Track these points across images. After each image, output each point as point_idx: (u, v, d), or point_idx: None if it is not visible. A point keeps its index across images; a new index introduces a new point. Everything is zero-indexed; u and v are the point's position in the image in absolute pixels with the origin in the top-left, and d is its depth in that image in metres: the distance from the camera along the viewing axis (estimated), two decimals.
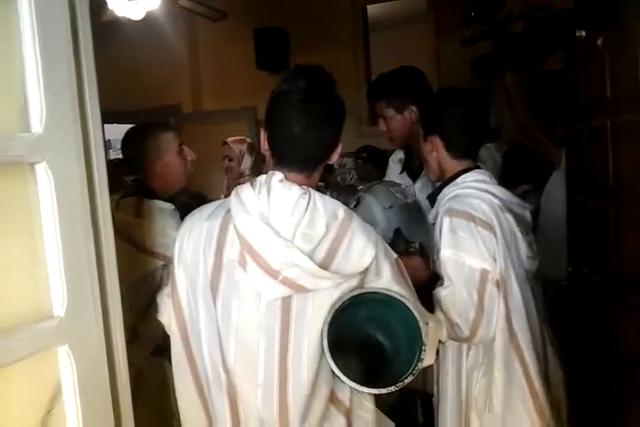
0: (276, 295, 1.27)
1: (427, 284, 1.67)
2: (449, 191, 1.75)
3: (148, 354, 1.97)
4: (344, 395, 1.37)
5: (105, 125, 1.26)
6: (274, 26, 5.57)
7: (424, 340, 1.30)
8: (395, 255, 1.40)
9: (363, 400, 1.40)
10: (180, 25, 5.60)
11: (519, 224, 1.73)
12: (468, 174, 1.77)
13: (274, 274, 1.25)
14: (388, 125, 2.38)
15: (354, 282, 1.31)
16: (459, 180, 1.76)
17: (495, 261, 1.61)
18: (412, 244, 1.91)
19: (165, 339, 1.93)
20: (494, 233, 1.62)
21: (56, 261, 1.02)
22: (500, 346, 1.62)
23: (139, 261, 1.91)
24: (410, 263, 1.62)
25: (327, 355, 1.25)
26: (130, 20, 4.14)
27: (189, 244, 1.39)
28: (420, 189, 2.35)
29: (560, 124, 3.12)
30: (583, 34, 2.28)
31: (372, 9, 5.77)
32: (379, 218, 2.01)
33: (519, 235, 1.70)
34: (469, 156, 1.82)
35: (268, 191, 1.29)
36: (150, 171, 2.06)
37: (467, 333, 1.59)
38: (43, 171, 1.00)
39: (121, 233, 1.98)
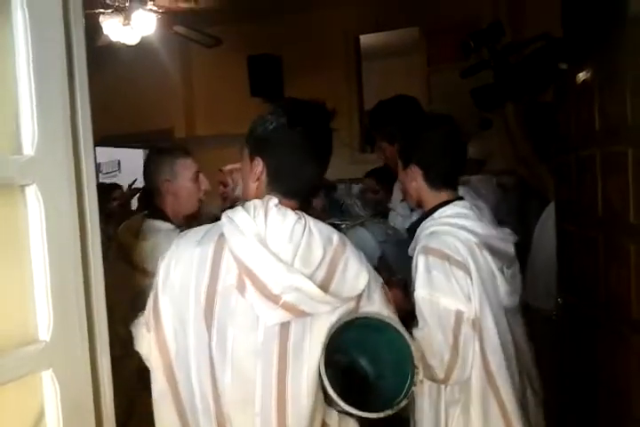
0: (276, 320, 1.25)
1: (404, 318, 1.62)
2: (426, 227, 1.71)
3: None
4: (333, 421, 1.35)
5: (96, 148, 1.26)
6: (268, 53, 5.63)
7: (416, 363, 1.29)
8: (381, 280, 1.41)
9: (347, 424, 1.38)
10: (174, 50, 5.65)
11: (499, 259, 1.69)
12: (446, 208, 1.72)
13: (274, 299, 1.23)
14: (384, 155, 2.42)
15: (351, 305, 1.31)
16: (436, 214, 1.72)
17: (470, 301, 1.58)
18: (396, 276, 1.87)
19: (123, 344, 1.95)
20: (469, 273, 1.59)
21: (43, 284, 1.01)
22: (476, 385, 1.59)
23: (134, 278, 1.93)
24: (396, 297, 1.60)
25: (325, 381, 1.24)
26: (125, 44, 4.18)
27: (177, 270, 1.33)
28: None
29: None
30: (565, 66, 2.31)
31: (364, 38, 5.86)
32: (373, 251, 2.01)
33: (497, 273, 1.66)
34: (449, 185, 1.77)
35: (265, 215, 1.28)
36: (163, 191, 2.13)
37: (441, 375, 1.56)
38: (33, 193, 1.00)
39: (119, 252, 2.01)
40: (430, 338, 1.56)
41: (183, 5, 3.97)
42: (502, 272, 1.69)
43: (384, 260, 2.05)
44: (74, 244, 1.07)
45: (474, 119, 3.95)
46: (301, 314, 1.25)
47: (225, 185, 3.58)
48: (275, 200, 1.32)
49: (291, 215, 1.30)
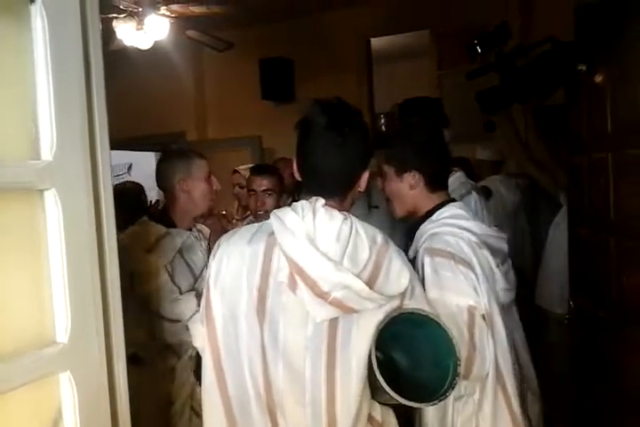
0: (325, 317, 1.31)
1: None
2: (426, 229, 1.72)
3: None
4: (376, 412, 1.41)
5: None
6: (279, 56, 5.65)
7: (458, 355, 1.33)
8: (418, 275, 1.47)
9: (389, 417, 1.45)
10: (186, 54, 5.68)
11: (495, 257, 1.72)
12: (443, 210, 1.74)
13: (324, 296, 1.28)
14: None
15: (396, 303, 1.36)
16: (434, 216, 1.74)
17: (479, 296, 1.60)
18: None
19: (144, 348, 2.01)
20: (474, 270, 1.62)
21: (61, 287, 1.02)
22: (490, 378, 1.60)
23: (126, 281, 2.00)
24: None
25: (377, 373, 1.26)
26: (138, 49, 4.21)
27: (229, 269, 1.40)
28: None
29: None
30: (584, 68, 2.31)
31: (375, 41, 5.86)
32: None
33: (496, 270, 1.69)
34: (444, 186, 1.81)
35: (314, 215, 1.34)
36: (177, 191, 2.19)
37: (462, 371, 1.56)
38: (51, 197, 1.02)
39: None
40: None
41: (195, 10, 3.99)
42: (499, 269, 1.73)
43: None
44: (91, 247, 1.09)
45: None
46: (349, 311, 1.30)
47: (241, 186, 3.61)
48: (322, 201, 1.37)
49: (338, 216, 1.35)
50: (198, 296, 2.05)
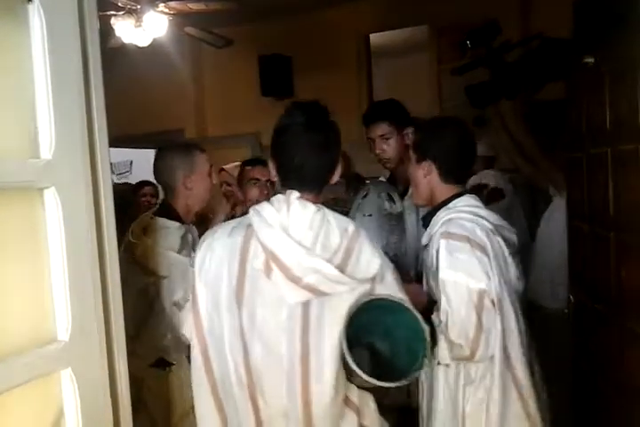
0: (297, 299, 1.41)
1: (426, 308, 1.73)
2: (442, 215, 1.80)
3: (147, 366, 2.03)
4: (353, 395, 1.48)
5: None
6: (278, 53, 5.65)
7: (427, 337, 1.41)
8: (392, 266, 1.54)
9: (367, 401, 1.52)
10: (185, 51, 5.68)
11: (508, 247, 1.78)
12: (459, 199, 1.83)
13: (296, 280, 1.38)
14: (387, 145, 2.47)
15: (367, 287, 1.44)
16: (450, 204, 1.82)
17: (491, 281, 1.65)
18: (408, 272, 2.00)
19: (168, 352, 2.00)
20: (488, 255, 1.68)
21: (62, 285, 1.03)
22: (497, 363, 1.65)
23: (135, 275, 1.98)
24: (410, 290, 1.67)
25: (347, 354, 1.35)
26: (136, 46, 4.21)
27: (212, 259, 1.51)
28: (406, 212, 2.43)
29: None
30: (591, 60, 2.31)
31: (374, 37, 5.86)
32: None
33: (509, 257, 1.76)
34: (460, 181, 1.89)
35: (288, 207, 1.45)
36: (180, 186, 2.15)
37: (467, 351, 1.63)
38: (51, 196, 1.02)
39: (126, 250, 2.04)
40: (454, 317, 1.64)
41: (194, 7, 3.99)
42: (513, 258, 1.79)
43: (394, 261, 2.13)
44: (91, 245, 1.10)
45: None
46: (321, 294, 1.40)
47: (228, 184, 3.65)
48: (296, 194, 1.47)
49: (311, 207, 1.46)
50: None
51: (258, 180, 2.90)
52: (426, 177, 1.86)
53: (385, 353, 1.50)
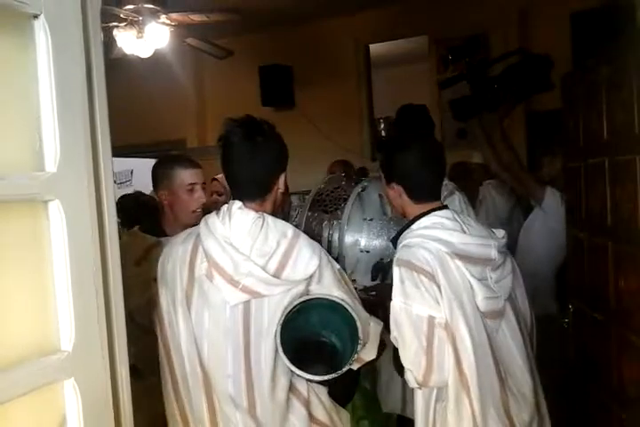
0: (237, 300, 1.56)
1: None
2: (403, 239, 1.79)
3: None
4: (302, 387, 1.62)
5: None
6: (278, 63, 5.68)
7: (360, 335, 1.55)
8: (337, 266, 1.68)
9: (319, 393, 1.65)
10: (186, 62, 5.72)
11: (477, 265, 1.73)
12: (423, 219, 1.79)
13: (234, 283, 1.54)
14: None
15: (301, 288, 1.58)
16: (414, 226, 1.79)
17: (440, 307, 1.64)
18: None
19: (142, 361, 1.92)
20: (437, 281, 1.66)
21: (65, 296, 1.04)
22: (452, 389, 1.65)
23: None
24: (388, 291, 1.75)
25: (280, 349, 1.52)
26: (138, 57, 4.24)
27: (169, 264, 1.67)
28: None
29: (544, 165, 3.24)
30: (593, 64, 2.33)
31: (374, 47, 5.90)
32: (357, 228, 2.16)
33: (472, 280, 1.70)
34: (431, 198, 1.85)
35: (230, 218, 1.59)
36: (162, 202, 2.18)
37: (420, 378, 1.64)
38: (55, 208, 1.04)
39: None
40: (405, 344, 1.66)
41: (195, 18, 4.02)
42: (483, 277, 1.73)
43: (381, 265, 2.15)
44: (94, 257, 1.11)
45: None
46: (257, 295, 1.56)
47: (219, 194, 3.70)
48: (238, 204, 1.62)
49: (251, 215, 1.60)
50: None
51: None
52: (396, 199, 1.87)
53: (339, 348, 1.63)
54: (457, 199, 2.60)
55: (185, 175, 2.15)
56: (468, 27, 4.65)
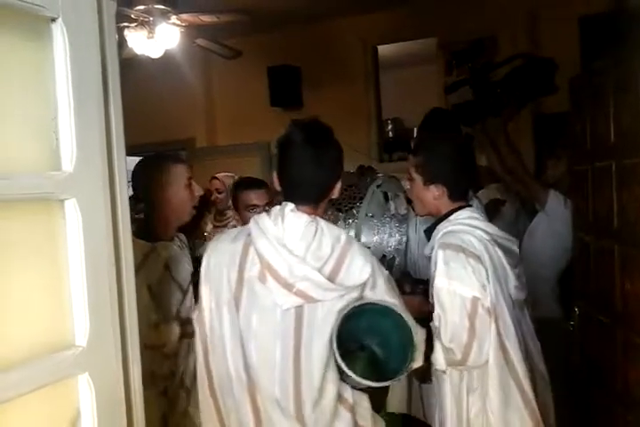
0: (290, 305, 1.51)
1: (427, 317, 1.80)
2: (443, 227, 1.88)
3: None
4: (348, 394, 1.58)
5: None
6: (287, 64, 5.71)
7: (415, 342, 1.53)
8: (386, 272, 1.64)
9: (361, 400, 1.61)
10: (196, 62, 5.74)
11: (507, 257, 1.84)
12: (460, 212, 1.90)
13: (288, 287, 1.50)
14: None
15: (355, 293, 1.55)
16: (452, 217, 1.89)
17: (485, 289, 1.72)
18: (420, 286, 2.05)
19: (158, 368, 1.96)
20: (484, 265, 1.74)
21: (80, 293, 1.06)
22: (494, 368, 1.71)
23: None
24: (414, 302, 1.86)
25: (337, 355, 1.48)
26: (149, 57, 4.27)
27: (215, 264, 1.63)
28: (421, 221, 2.49)
29: (548, 168, 3.24)
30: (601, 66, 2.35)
31: (382, 48, 5.91)
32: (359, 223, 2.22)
33: (507, 267, 1.82)
34: (465, 197, 1.97)
35: (282, 219, 1.56)
36: (156, 202, 2.06)
37: (459, 356, 1.70)
38: (72, 207, 1.06)
39: None
40: (448, 323, 1.72)
41: (205, 19, 4.05)
42: (512, 267, 1.85)
43: (408, 273, 2.22)
44: (108, 254, 1.13)
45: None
46: (312, 300, 1.51)
47: (220, 192, 3.75)
48: (290, 206, 1.59)
49: (304, 218, 1.57)
50: (184, 319, 1.99)
51: (255, 206, 2.77)
52: (436, 200, 1.92)
53: (381, 355, 1.61)
54: (475, 203, 2.63)
55: (182, 170, 2.08)
56: (476, 29, 4.66)
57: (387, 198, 2.53)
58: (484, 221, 1.87)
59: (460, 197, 1.93)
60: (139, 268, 1.86)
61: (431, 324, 1.76)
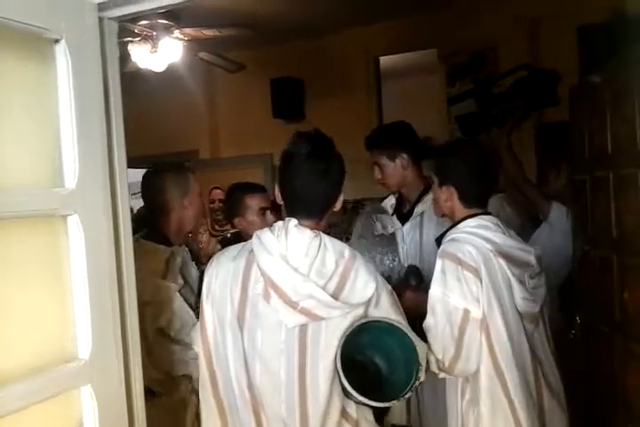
0: (295, 323, 1.48)
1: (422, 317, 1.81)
2: (449, 234, 1.89)
3: None
4: (352, 409, 1.54)
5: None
6: (289, 76, 5.74)
7: (420, 360, 1.51)
8: (389, 287, 1.61)
9: (365, 414, 1.57)
10: (199, 76, 5.78)
11: (518, 267, 1.83)
12: (471, 220, 1.89)
13: (293, 305, 1.46)
14: (382, 172, 2.56)
15: (360, 311, 1.51)
16: (461, 225, 1.90)
17: (478, 302, 1.73)
18: (424, 283, 2.06)
19: (160, 383, 1.93)
20: (479, 277, 1.74)
21: (83, 307, 1.09)
22: (485, 381, 1.73)
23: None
24: (419, 299, 1.87)
25: (341, 374, 1.45)
26: (152, 71, 4.31)
27: (217, 282, 1.58)
28: (407, 232, 2.53)
29: (550, 179, 3.25)
30: (597, 79, 2.37)
31: (384, 59, 5.94)
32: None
33: (513, 278, 1.80)
34: (479, 204, 1.95)
35: (286, 235, 1.52)
36: (174, 208, 2.11)
37: (446, 364, 1.72)
38: (74, 223, 1.09)
39: None
40: (438, 331, 1.73)
41: (208, 33, 4.09)
42: (521, 279, 1.83)
43: (414, 268, 2.25)
44: (110, 269, 1.16)
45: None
46: (316, 318, 1.48)
47: (222, 201, 3.77)
48: (294, 221, 1.54)
49: (308, 234, 1.53)
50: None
51: (266, 209, 2.77)
52: (447, 201, 1.94)
53: (385, 371, 1.60)
54: (495, 210, 2.64)
55: (194, 180, 2.18)
56: (477, 40, 4.68)
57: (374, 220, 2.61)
58: (496, 231, 1.85)
59: (475, 204, 1.92)
60: (164, 274, 1.99)
61: (423, 326, 1.78)
